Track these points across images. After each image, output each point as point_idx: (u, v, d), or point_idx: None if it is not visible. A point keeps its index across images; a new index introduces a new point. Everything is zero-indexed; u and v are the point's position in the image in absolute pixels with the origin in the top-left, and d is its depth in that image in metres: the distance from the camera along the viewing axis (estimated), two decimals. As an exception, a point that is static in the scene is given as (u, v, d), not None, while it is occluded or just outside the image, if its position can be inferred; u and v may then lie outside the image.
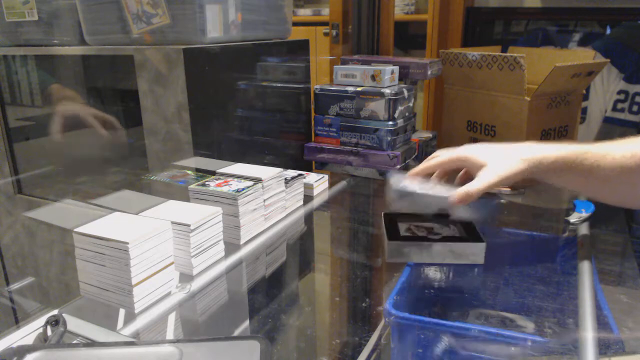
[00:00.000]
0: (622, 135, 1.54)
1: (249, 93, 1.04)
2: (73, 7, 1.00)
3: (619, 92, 1.52)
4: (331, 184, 1.07)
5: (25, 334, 0.56)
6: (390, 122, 1.08)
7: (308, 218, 0.93)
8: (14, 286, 1.29)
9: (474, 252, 0.72)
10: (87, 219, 0.64)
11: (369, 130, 1.10)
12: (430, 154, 1.30)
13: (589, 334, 0.55)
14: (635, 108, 1.49)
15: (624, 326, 0.59)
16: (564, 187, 0.71)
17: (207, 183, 0.81)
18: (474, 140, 1.16)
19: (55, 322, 0.54)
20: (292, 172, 0.95)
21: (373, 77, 1.10)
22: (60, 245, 1.17)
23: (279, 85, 1.13)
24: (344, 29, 1.58)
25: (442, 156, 0.74)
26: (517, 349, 0.55)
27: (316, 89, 1.15)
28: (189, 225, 0.67)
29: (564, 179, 0.67)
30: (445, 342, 0.57)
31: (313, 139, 1.22)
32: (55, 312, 0.58)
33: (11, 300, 1.28)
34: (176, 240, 0.68)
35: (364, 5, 1.52)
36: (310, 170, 1.17)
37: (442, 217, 0.82)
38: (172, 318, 0.63)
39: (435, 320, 0.60)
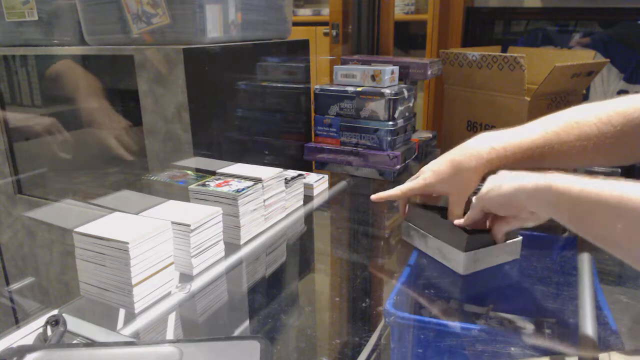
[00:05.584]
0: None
1: (249, 93, 1.04)
2: (73, 7, 1.00)
3: (619, 92, 1.52)
4: (331, 184, 1.07)
5: (25, 334, 0.55)
6: (390, 122, 1.08)
7: (308, 218, 0.93)
8: (14, 286, 1.29)
9: (455, 259, 0.70)
10: (87, 219, 0.64)
11: (369, 130, 1.10)
12: (431, 154, 1.31)
13: (589, 334, 0.55)
14: (635, 108, 1.48)
15: (624, 326, 0.59)
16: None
17: (207, 183, 0.81)
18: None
19: (55, 322, 0.54)
20: (292, 172, 0.95)
21: (373, 77, 1.10)
22: (60, 245, 1.17)
23: (279, 85, 1.13)
24: (344, 29, 1.58)
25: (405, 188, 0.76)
26: (517, 349, 0.55)
27: (316, 89, 1.15)
28: (189, 225, 0.67)
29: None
30: (445, 342, 0.57)
31: (313, 139, 1.22)
32: (55, 312, 0.58)
33: (11, 300, 1.28)
34: (176, 240, 0.68)
35: (364, 5, 1.51)
36: (310, 170, 1.17)
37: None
38: (172, 318, 0.63)
39: (435, 320, 0.60)
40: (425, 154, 1.27)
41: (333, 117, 1.14)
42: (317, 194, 1.02)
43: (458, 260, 0.69)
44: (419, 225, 0.77)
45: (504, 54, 1.04)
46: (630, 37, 1.55)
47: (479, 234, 0.70)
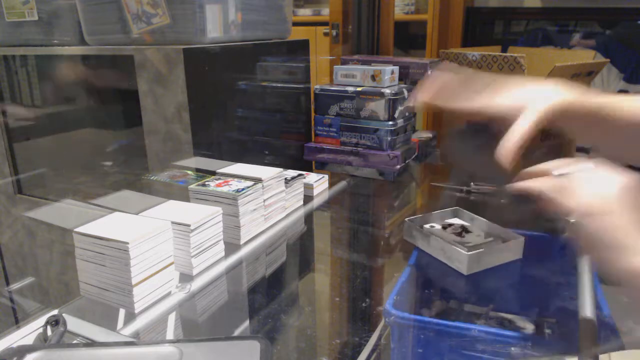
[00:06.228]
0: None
1: (249, 93, 1.04)
2: (73, 7, 1.00)
3: (619, 92, 1.52)
4: (331, 184, 1.07)
5: (25, 334, 0.55)
6: (390, 122, 1.08)
7: (308, 218, 0.93)
8: (14, 286, 1.29)
9: (458, 259, 0.71)
10: (87, 219, 0.64)
11: (369, 130, 1.10)
12: (430, 154, 1.31)
13: (589, 334, 0.55)
14: (635, 108, 1.48)
15: (624, 326, 0.59)
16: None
17: (207, 183, 0.81)
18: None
19: (55, 322, 0.54)
20: (292, 172, 0.95)
21: (373, 77, 1.10)
22: (60, 245, 1.17)
23: (279, 85, 1.13)
24: (344, 29, 1.58)
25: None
26: (517, 349, 0.55)
27: (316, 89, 1.15)
28: (189, 225, 0.67)
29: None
30: (445, 342, 0.57)
31: (313, 139, 1.22)
32: (55, 312, 0.58)
33: (11, 300, 1.28)
34: (176, 240, 0.68)
35: (364, 5, 1.52)
36: (310, 170, 1.17)
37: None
38: (172, 318, 0.63)
39: (435, 320, 0.60)
40: (425, 154, 1.27)
41: (333, 117, 1.14)
42: (317, 194, 1.02)
43: (461, 260, 0.69)
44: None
45: (504, 54, 1.04)
46: (630, 37, 1.55)
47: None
